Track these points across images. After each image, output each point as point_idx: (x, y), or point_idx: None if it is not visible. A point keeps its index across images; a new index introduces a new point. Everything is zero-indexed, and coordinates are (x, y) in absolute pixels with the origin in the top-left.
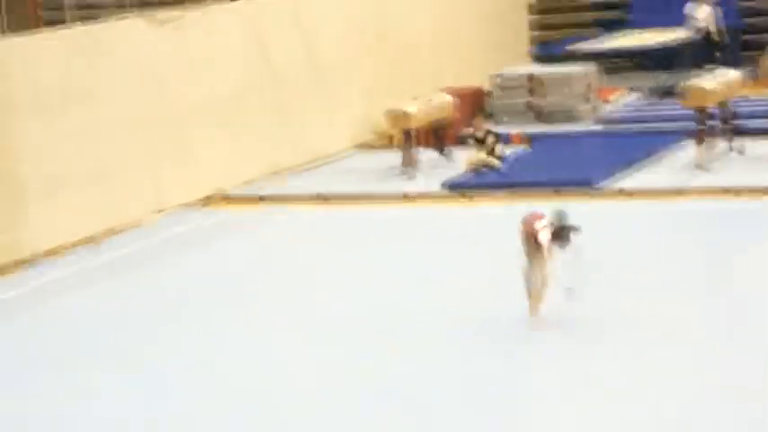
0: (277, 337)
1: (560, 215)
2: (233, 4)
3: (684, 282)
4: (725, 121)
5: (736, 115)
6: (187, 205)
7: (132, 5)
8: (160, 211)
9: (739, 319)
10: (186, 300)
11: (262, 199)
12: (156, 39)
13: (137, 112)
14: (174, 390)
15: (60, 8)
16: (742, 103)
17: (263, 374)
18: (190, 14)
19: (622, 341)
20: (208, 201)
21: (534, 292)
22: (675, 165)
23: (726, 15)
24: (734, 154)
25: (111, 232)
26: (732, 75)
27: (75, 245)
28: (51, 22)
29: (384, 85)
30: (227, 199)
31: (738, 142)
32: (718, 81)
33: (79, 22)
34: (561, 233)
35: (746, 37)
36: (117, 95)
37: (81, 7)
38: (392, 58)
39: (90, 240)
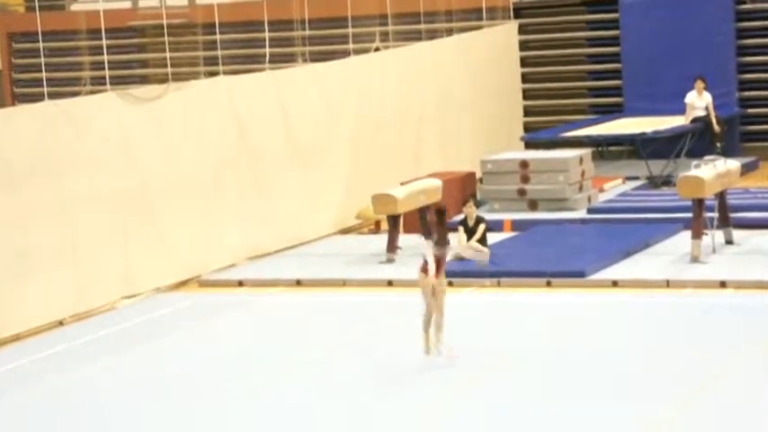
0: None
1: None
2: (212, 80)
3: (673, 382)
4: (722, 213)
5: (733, 207)
6: (158, 290)
7: (112, 83)
8: (132, 296)
9: (727, 423)
10: (164, 389)
11: (241, 284)
12: (130, 114)
13: (107, 188)
14: None
15: (35, 85)
16: (741, 195)
17: None
18: (167, 92)
19: None
20: (182, 285)
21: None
22: (670, 256)
23: (725, 105)
24: (732, 246)
25: (81, 316)
26: (731, 165)
27: (42, 329)
28: (26, 99)
29: (370, 168)
30: (203, 283)
31: (729, 232)
32: (717, 172)
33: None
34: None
35: (745, 127)
36: (87, 171)
37: (58, 84)
38: (377, 141)
39: (58, 324)
